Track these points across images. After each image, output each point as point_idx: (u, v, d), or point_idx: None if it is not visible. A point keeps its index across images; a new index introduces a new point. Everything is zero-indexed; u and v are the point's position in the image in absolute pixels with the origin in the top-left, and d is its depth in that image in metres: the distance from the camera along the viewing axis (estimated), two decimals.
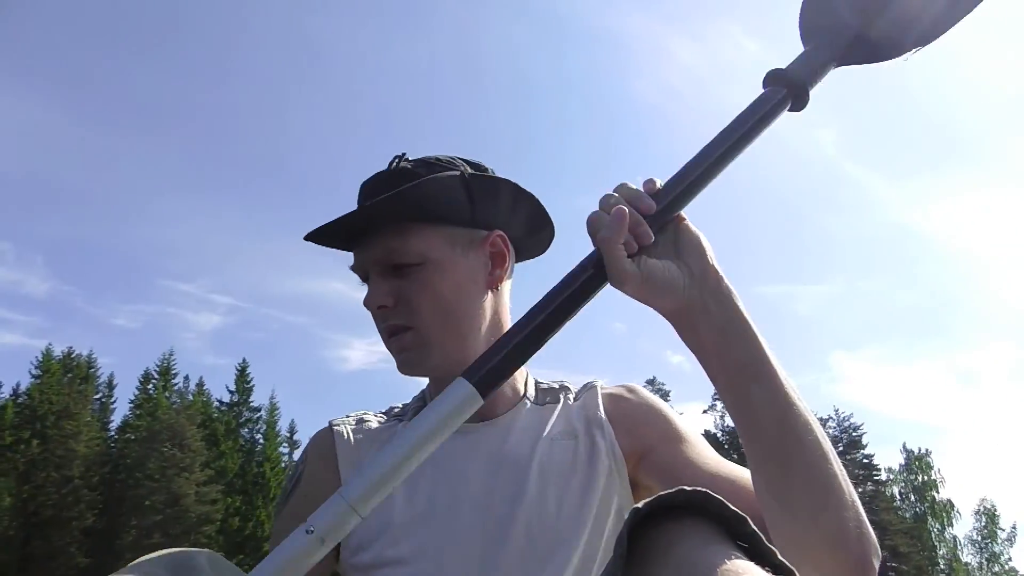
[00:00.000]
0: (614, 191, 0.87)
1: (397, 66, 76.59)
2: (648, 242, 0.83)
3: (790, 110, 0.97)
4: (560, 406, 1.19)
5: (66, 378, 36.70)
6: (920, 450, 46.89)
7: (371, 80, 75.66)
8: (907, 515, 46.12)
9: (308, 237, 1.07)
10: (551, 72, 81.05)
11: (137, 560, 0.66)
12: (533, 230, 1.21)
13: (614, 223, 0.80)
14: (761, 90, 0.97)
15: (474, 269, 1.12)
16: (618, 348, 70.83)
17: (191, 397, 39.11)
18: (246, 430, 40.34)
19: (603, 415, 1.15)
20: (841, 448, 47.96)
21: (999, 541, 45.12)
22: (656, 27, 77.74)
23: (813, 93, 0.97)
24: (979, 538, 45.62)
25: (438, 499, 1.08)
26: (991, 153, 71.43)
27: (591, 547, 1.05)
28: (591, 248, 0.86)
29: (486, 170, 1.15)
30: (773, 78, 0.96)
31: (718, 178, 0.94)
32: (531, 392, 1.22)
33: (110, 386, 39.74)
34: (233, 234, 64.47)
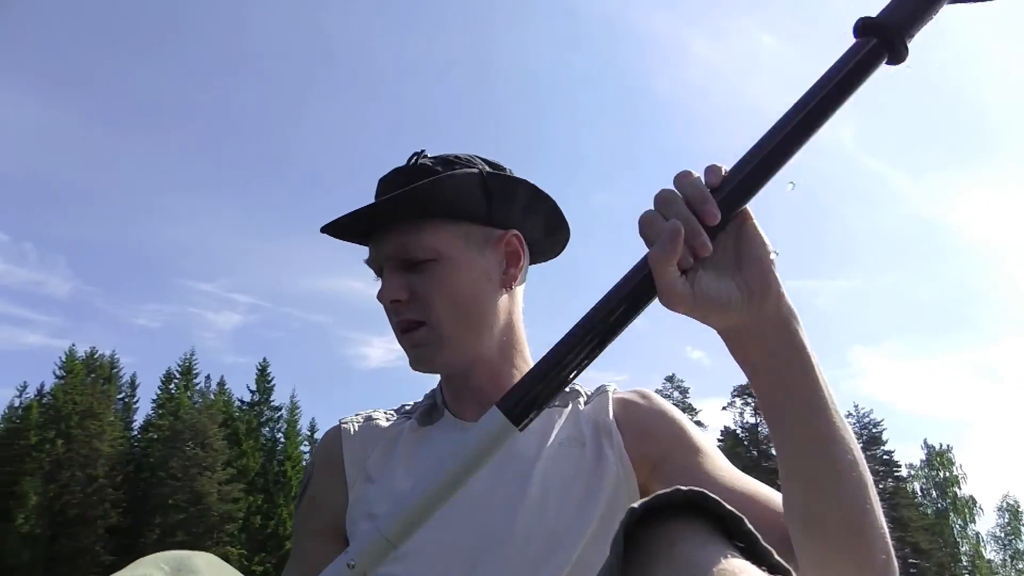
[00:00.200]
0: (674, 185, 0.75)
1: (412, 63, 76.83)
2: (705, 254, 0.73)
3: (887, 63, 0.79)
4: (569, 410, 1.17)
5: (89, 378, 37.15)
6: (941, 446, 46.59)
7: (387, 76, 75.90)
8: (928, 511, 45.81)
9: (324, 229, 1.08)
10: (568, 69, 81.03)
11: (136, 561, 0.68)
12: (549, 232, 1.21)
13: (668, 241, 0.70)
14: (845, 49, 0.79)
15: (489, 267, 1.12)
16: (637, 343, 70.62)
17: (212, 396, 39.49)
18: (267, 429, 40.71)
19: (613, 421, 1.13)
20: (861, 444, 47.55)
21: (1023, 538, 44.76)
22: (674, 23, 77.68)
23: (916, 43, 0.79)
24: (1002, 535, 45.34)
25: None
26: (1014, 146, 70.89)
27: (590, 555, 1.02)
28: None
29: (504, 170, 1.15)
30: (863, 27, 0.77)
31: (792, 160, 0.77)
32: None
33: (133, 386, 40.24)
34: (252, 233, 64.96)
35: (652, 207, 0.75)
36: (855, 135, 69.44)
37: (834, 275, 70.74)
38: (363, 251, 1.15)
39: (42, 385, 36.88)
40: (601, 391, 1.20)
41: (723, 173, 0.76)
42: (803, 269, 71.89)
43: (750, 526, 0.55)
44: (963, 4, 0.82)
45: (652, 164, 76.66)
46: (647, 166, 76.94)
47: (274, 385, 40.97)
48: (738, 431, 50.98)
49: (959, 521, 44.77)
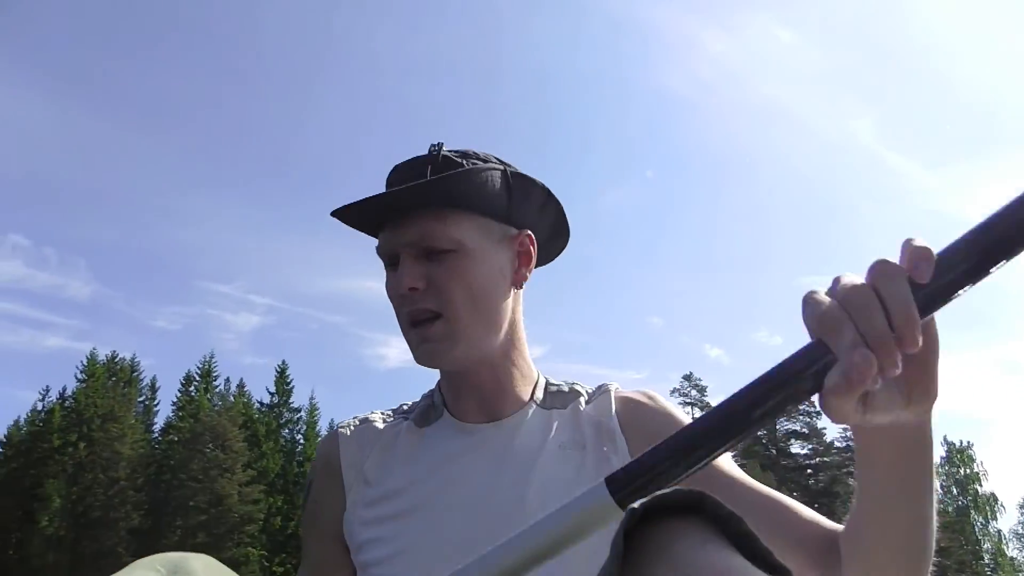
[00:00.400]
0: (874, 281, 0.60)
1: (421, 61, 76.90)
2: (893, 375, 0.59)
3: None
4: (569, 411, 1.15)
5: (110, 382, 37.59)
6: (962, 442, 46.26)
7: (396, 74, 76.05)
8: (949, 509, 45.51)
9: (336, 213, 1.07)
10: (575, 64, 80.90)
11: (132, 563, 0.69)
12: (552, 236, 1.21)
13: (857, 376, 0.56)
14: None
15: (503, 264, 1.11)
16: (655, 342, 70.70)
17: (232, 399, 39.79)
18: (287, 431, 40.98)
19: (616, 424, 1.11)
20: None
21: None
22: (685, 17, 77.39)
23: None
24: None
25: (436, 497, 1.07)
26: None
27: (591, 558, 1.00)
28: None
29: (517, 169, 1.15)
30: None
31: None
32: (539, 394, 1.18)
33: (153, 389, 40.63)
34: (268, 234, 65.28)
35: (834, 291, 0.62)
36: (872, 129, 69.08)
37: (854, 270, 70.09)
38: (368, 240, 1.14)
39: (64, 389, 37.35)
40: (603, 390, 1.18)
41: (932, 259, 0.59)
42: (820, 265, 71.61)
43: (749, 527, 0.55)
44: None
45: (659, 162, 76.50)
46: (656, 164, 76.81)
47: (293, 387, 41.25)
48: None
49: (980, 518, 44.48)
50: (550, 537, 0.65)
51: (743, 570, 0.51)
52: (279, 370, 41.46)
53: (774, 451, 49.98)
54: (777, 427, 50.68)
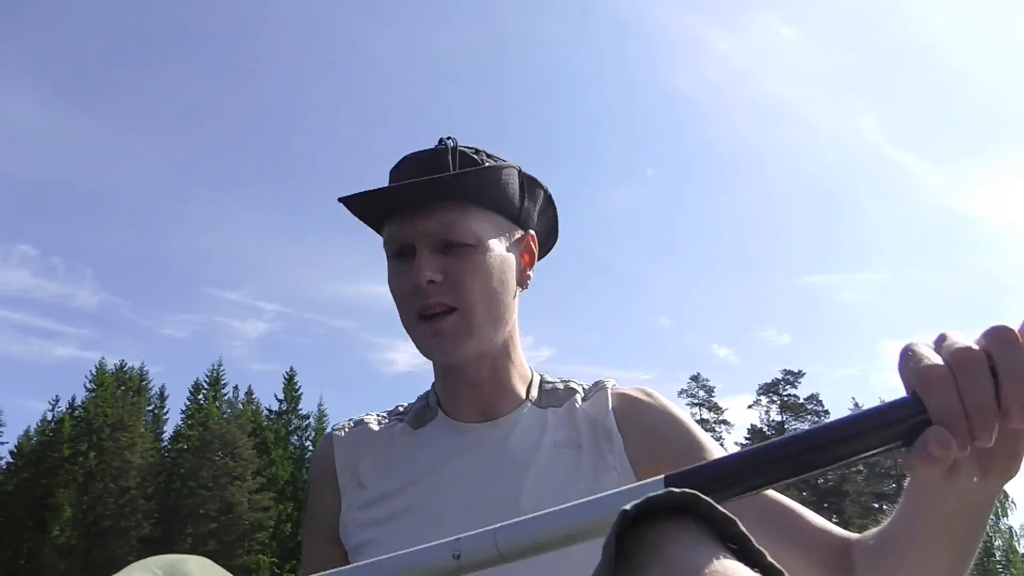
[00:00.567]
0: (986, 347, 0.57)
1: (429, 63, 77.11)
2: (985, 447, 0.57)
3: None
4: (565, 408, 1.14)
5: (119, 391, 37.74)
6: None
7: (403, 78, 76.28)
8: None
9: (348, 199, 1.07)
10: (582, 65, 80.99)
11: (129, 566, 0.68)
12: (544, 241, 1.22)
13: (946, 443, 0.55)
14: None
15: (512, 263, 1.12)
16: (663, 342, 70.71)
17: (241, 406, 39.89)
18: (295, 437, 41.10)
19: (613, 422, 1.10)
20: None
21: None
22: (690, 17, 77.47)
23: None
24: None
25: (431, 498, 1.07)
26: None
27: (589, 560, 1.01)
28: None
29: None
30: None
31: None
32: (534, 393, 1.17)
33: (162, 397, 40.78)
34: (275, 241, 65.51)
35: (940, 348, 0.60)
36: (877, 127, 69.01)
37: (860, 269, 70.32)
38: (375, 245, 1.13)
39: (73, 398, 37.57)
40: (599, 387, 1.17)
41: None
42: (830, 264, 71.62)
43: (742, 528, 0.54)
44: None
45: (663, 162, 76.50)
46: (661, 164, 76.82)
47: (301, 394, 41.39)
48: (765, 429, 50.77)
49: (991, 516, 44.31)
50: (594, 520, 0.66)
51: (736, 571, 0.51)
52: (287, 377, 41.61)
53: None
54: (786, 426, 50.59)
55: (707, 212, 74.20)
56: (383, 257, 1.11)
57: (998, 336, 0.57)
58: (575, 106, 79.66)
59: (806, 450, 0.60)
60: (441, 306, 1.05)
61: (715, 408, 48.73)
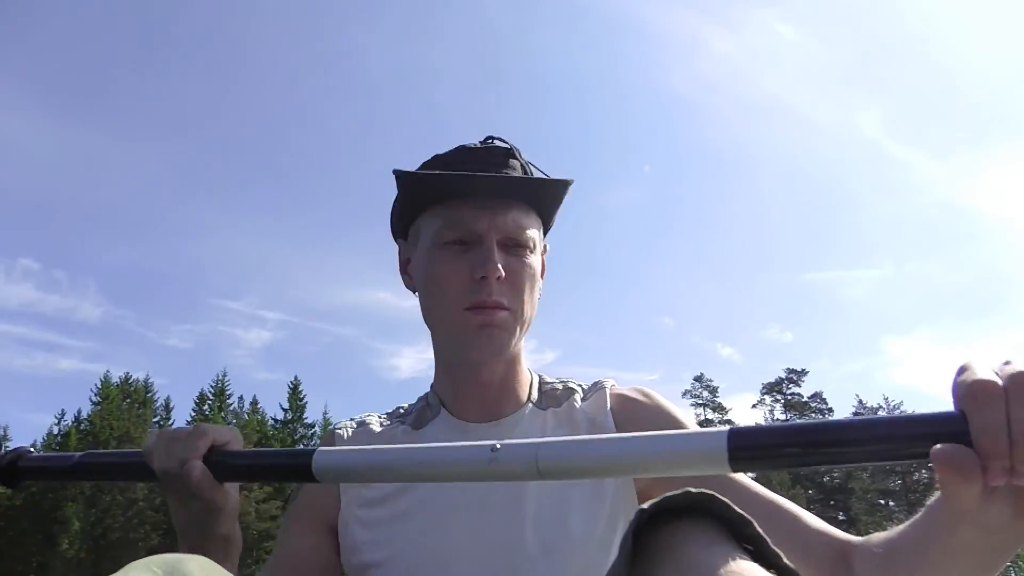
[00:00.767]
0: None
1: (425, 67, 77.24)
2: (1019, 479, 0.55)
3: None
4: (564, 408, 1.14)
5: (125, 403, 37.77)
6: None
7: (401, 83, 76.43)
8: None
9: (422, 176, 1.08)
10: (576, 65, 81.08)
11: (128, 565, 0.68)
12: None
13: (1000, 469, 0.54)
14: None
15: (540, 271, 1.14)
16: (667, 343, 70.75)
17: (246, 416, 39.92)
18: (301, 446, 40.86)
19: (611, 422, 1.10)
20: None
21: None
22: (687, 16, 77.55)
23: None
24: None
25: (433, 499, 1.06)
26: None
27: (590, 561, 1.02)
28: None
29: None
30: None
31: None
32: (535, 394, 1.17)
33: (167, 409, 40.78)
34: (277, 249, 65.55)
35: (1001, 368, 0.57)
36: (878, 122, 69.03)
37: (862, 265, 70.36)
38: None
39: (79, 411, 37.66)
40: (598, 388, 1.17)
41: None
42: (832, 261, 71.67)
43: (758, 529, 0.56)
44: None
45: (667, 161, 76.54)
46: (663, 162, 76.87)
47: (306, 402, 41.40)
48: None
49: None
50: (650, 454, 0.67)
51: (751, 573, 0.51)
52: (292, 386, 41.65)
53: None
54: None
55: (707, 211, 74.36)
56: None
57: None
58: (571, 106, 79.88)
59: (846, 440, 0.60)
60: (496, 303, 1.05)
61: (719, 408, 48.74)
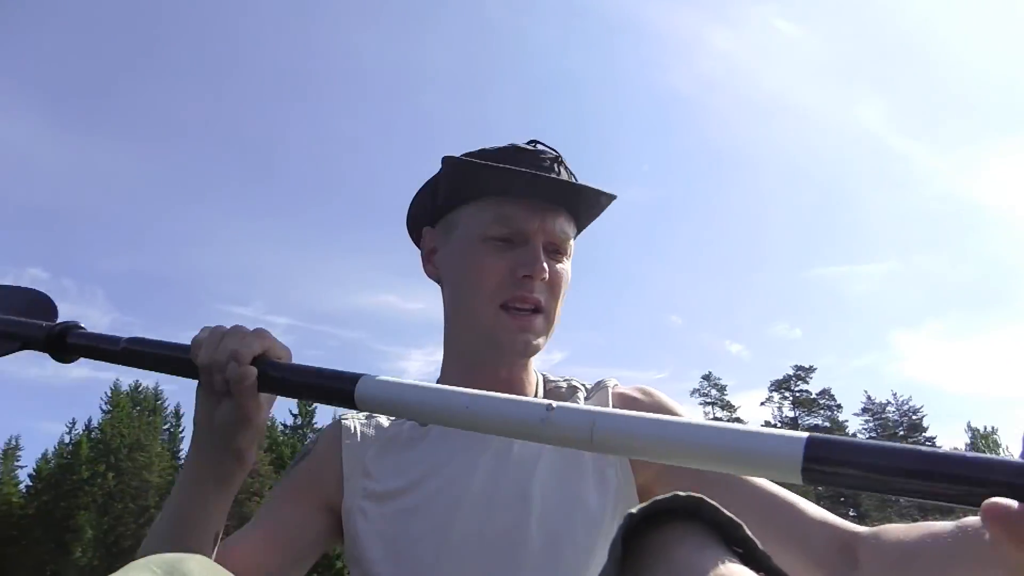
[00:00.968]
0: None
1: (427, 70, 77.30)
2: None
3: None
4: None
5: (135, 411, 37.93)
6: (986, 428, 45.96)
7: (396, 83, 76.47)
8: None
9: (482, 166, 1.06)
10: (575, 64, 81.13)
11: (128, 565, 0.68)
12: None
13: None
14: None
15: None
16: (676, 341, 70.66)
17: None
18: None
19: None
20: (902, 432, 47.28)
21: None
22: (686, 14, 77.50)
23: None
24: None
25: (440, 495, 1.06)
26: None
27: (592, 561, 1.02)
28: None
29: None
30: None
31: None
32: (540, 393, 1.18)
33: (177, 416, 40.90)
34: (284, 255, 65.75)
35: None
36: (880, 116, 68.89)
37: (868, 259, 70.22)
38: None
39: (89, 420, 37.81)
40: (601, 386, 1.17)
41: None
42: (839, 256, 71.53)
43: (748, 532, 0.56)
44: None
45: (670, 159, 76.47)
46: (666, 161, 76.82)
47: (315, 408, 41.47)
48: (778, 425, 50.67)
49: None
50: (715, 447, 0.64)
51: (741, 575, 0.51)
52: None
53: None
54: (799, 422, 50.49)
55: (712, 209, 74.31)
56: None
57: None
58: (571, 105, 79.89)
59: (915, 470, 0.57)
60: (534, 303, 1.06)
61: (728, 406, 48.66)
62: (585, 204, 1.11)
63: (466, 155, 1.10)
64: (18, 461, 38.09)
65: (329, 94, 74.02)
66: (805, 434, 0.60)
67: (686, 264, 73.46)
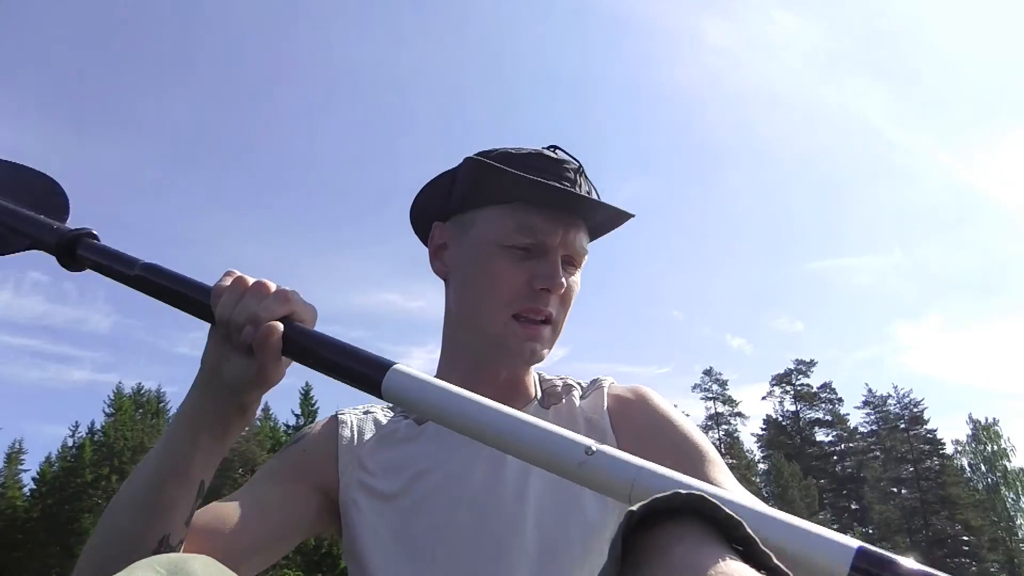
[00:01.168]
0: None
1: (421, 68, 77.31)
2: None
3: None
4: (565, 405, 1.15)
5: (138, 413, 37.96)
6: (987, 419, 45.98)
7: (398, 83, 76.44)
8: (979, 486, 45.24)
9: (514, 176, 1.03)
10: (576, 62, 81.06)
11: (132, 565, 0.67)
12: None
13: None
14: None
15: None
16: (678, 335, 70.82)
17: (258, 423, 40.06)
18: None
19: (607, 423, 1.11)
20: (903, 425, 47.33)
21: None
22: (685, 8, 77.48)
23: None
24: None
25: (438, 491, 1.06)
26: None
27: (589, 561, 1.02)
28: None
29: None
30: None
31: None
32: (538, 393, 1.18)
33: None
34: (285, 253, 65.76)
35: None
36: (882, 108, 68.86)
37: (869, 251, 70.33)
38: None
39: (92, 423, 37.79)
40: (596, 385, 1.18)
41: None
42: (840, 248, 71.55)
43: (748, 530, 0.56)
44: None
45: (672, 154, 76.41)
46: (667, 156, 76.78)
47: (318, 408, 41.44)
48: (779, 419, 50.68)
49: (1011, 495, 44.09)
50: (767, 539, 0.60)
51: (741, 573, 0.51)
52: (303, 392, 41.75)
53: (799, 439, 49.79)
54: (800, 416, 50.52)
55: (712, 203, 74.42)
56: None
57: None
58: (571, 103, 79.91)
59: None
60: (545, 314, 1.07)
61: (729, 401, 48.69)
62: (606, 221, 1.12)
63: (485, 154, 1.10)
64: (22, 464, 38.19)
65: (327, 91, 74.00)
66: (856, 543, 0.59)
67: (686, 258, 73.66)
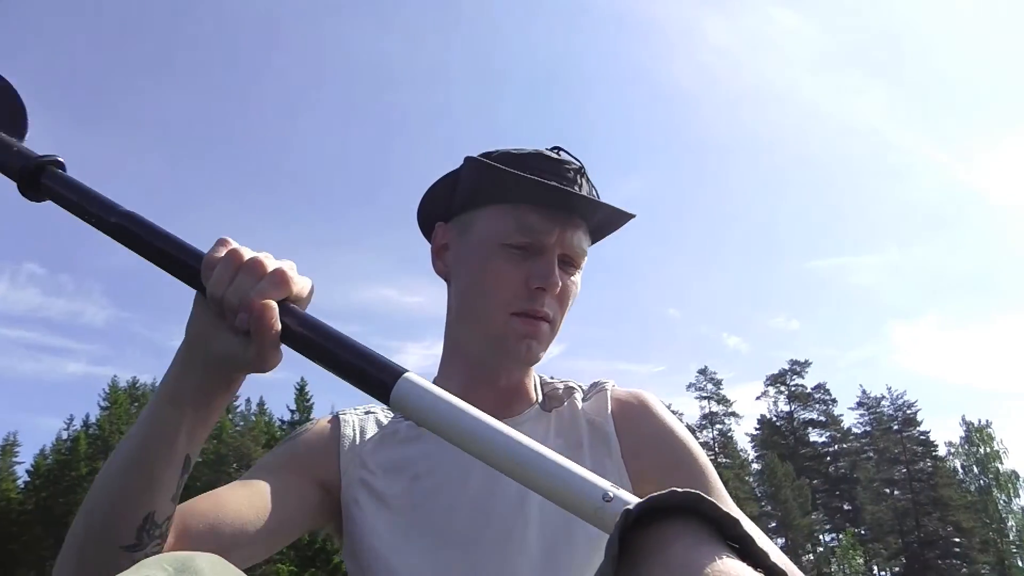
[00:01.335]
0: None
1: (420, 65, 77.24)
2: None
3: None
4: (567, 408, 1.15)
5: (133, 407, 37.91)
6: (980, 421, 46.10)
7: (396, 79, 76.38)
8: (971, 488, 45.37)
9: (512, 175, 1.03)
10: (575, 59, 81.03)
11: (139, 563, 0.67)
12: None
13: None
14: None
15: None
16: (674, 334, 70.92)
17: (253, 418, 40.14)
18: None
19: (611, 427, 1.11)
20: (896, 427, 47.45)
21: None
22: (684, 6, 77.47)
23: None
24: None
25: (439, 494, 1.06)
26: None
27: (589, 562, 1.02)
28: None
29: None
30: None
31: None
32: (539, 395, 1.18)
33: None
34: (282, 247, 65.39)
35: None
36: (881, 108, 68.89)
37: (866, 250, 70.44)
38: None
39: (87, 416, 37.86)
40: (599, 388, 1.18)
41: None
42: (837, 247, 71.65)
43: (745, 528, 0.56)
44: None
45: (668, 153, 76.41)
46: (664, 155, 76.79)
47: (313, 403, 41.44)
48: (773, 419, 50.75)
49: (1003, 496, 44.22)
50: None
51: (738, 571, 0.51)
52: (298, 387, 41.74)
53: (793, 440, 49.90)
54: (794, 416, 50.62)
55: (710, 201, 74.57)
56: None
57: None
58: (570, 100, 79.91)
59: None
60: (544, 314, 1.06)
61: (723, 400, 48.74)
62: (606, 221, 1.13)
63: (486, 155, 1.10)
64: (16, 456, 38.22)
65: (324, 86, 73.90)
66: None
67: (684, 256, 73.76)
